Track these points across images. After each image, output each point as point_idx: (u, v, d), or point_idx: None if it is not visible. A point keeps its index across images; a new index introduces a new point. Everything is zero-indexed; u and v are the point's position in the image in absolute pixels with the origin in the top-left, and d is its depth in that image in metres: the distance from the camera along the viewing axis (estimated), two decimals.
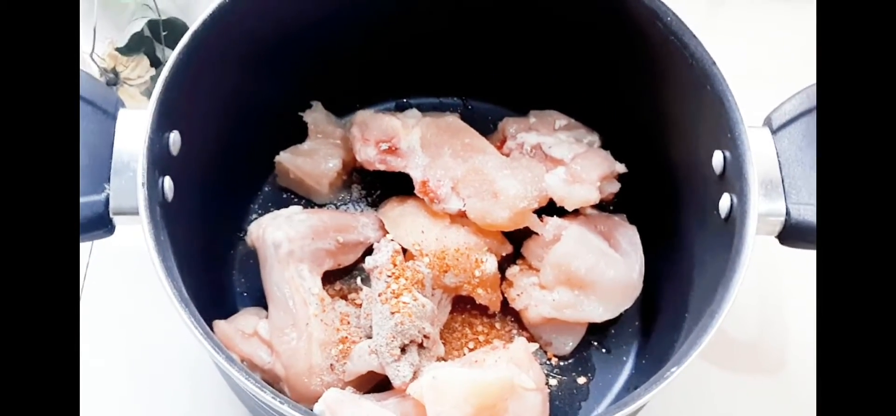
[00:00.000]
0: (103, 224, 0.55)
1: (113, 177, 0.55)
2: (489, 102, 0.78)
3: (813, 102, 0.59)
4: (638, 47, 0.64)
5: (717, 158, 0.59)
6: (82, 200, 0.54)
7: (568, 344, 0.67)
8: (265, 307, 0.65)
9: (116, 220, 0.55)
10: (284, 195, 0.74)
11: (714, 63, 0.58)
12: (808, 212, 0.56)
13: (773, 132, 0.59)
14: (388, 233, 0.68)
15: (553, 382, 0.67)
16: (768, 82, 0.66)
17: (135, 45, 0.72)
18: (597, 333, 0.68)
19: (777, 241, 0.58)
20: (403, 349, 0.61)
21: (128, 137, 0.56)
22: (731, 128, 0.57)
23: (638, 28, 0.63)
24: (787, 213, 0.56)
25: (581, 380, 0.67)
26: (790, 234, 0.57)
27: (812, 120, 0.58)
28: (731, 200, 0.57)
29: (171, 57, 0.57)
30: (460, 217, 0.68)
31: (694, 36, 0.60)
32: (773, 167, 0.57)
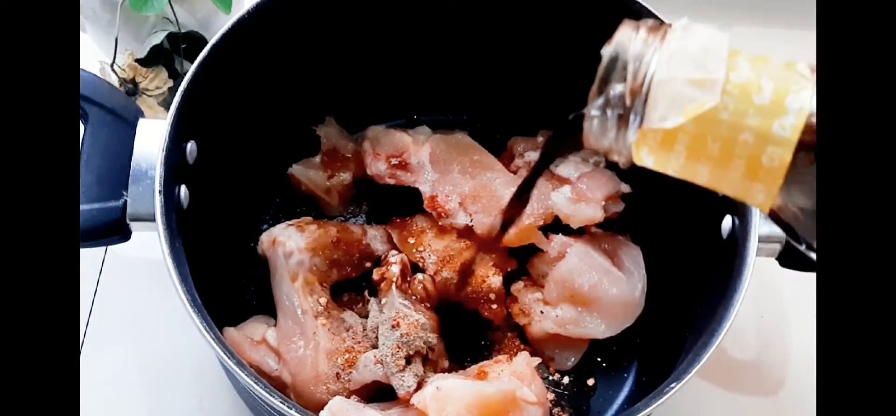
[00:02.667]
0: (120, 230, 0.56)
1: (131, 184, 0.56)
2: (498, 120, 0.79)
3: None
4: None
5: None
6: (100, 206, 0.56)
7: (570, 360, 0.68)
8: (274, 316, 0.66)
9: (133, 226, 0.57)
10: (296, 207, 0.75)
11: None
12: None
13: None
14: (395, 246, 0.70)
15: (554, 397, 0.68)
16: None
17: (154, 58, 0.74)
18: (599, 350, 0.69)
19: (777, 263, 0.59)
20: (408, 360, 0.62)
21: (146, 145, 0.57)
22: None
23: None
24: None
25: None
26: (790, 256, 0.58)
27: None
28: (733, 221, 0.58)
29: (191, 69, 0.58)
30: (467, 232, 0.69)
31: None
32: None
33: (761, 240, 0.56)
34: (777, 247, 0.58)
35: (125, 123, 0.58)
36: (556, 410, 0.66)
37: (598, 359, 0.69)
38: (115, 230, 0.56)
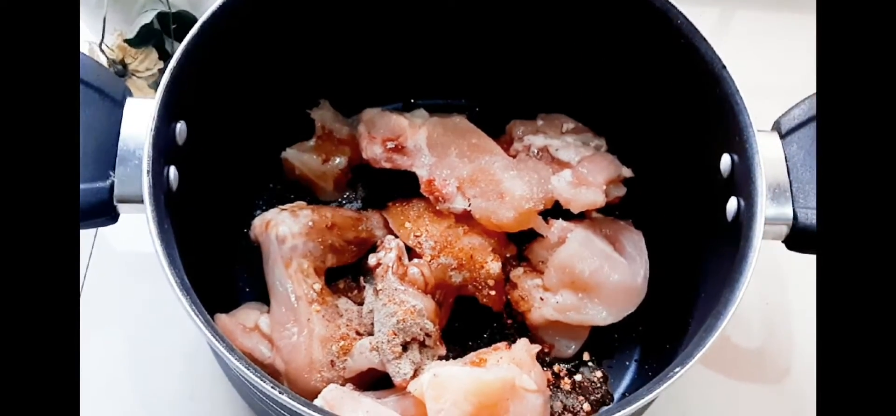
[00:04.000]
0: (107, 211, 0.55)
1: (118, 165, 0.55)
2: (497, 104, 0.77)
3: None
4: (647, 50, 0.64)
5: (725, 162, 0.58)
6: (87, 186, 0.54)
7: (571, 347, 0.67)
8: (267, 303, 0.65)
9: (121, 208, 0.55)
10: (289, 192, 0.73)
11: (724, 66, 0.58)
12: (815, 216, 0.56)
13: (782, 136, 0.58)
14: (392, 231, 0.68)
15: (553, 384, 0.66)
16: (778, 93, 0.66)
17: (144, 38, 0.72)
18: (600, 337, 0.68)
19: (784, 246, 0.58)
20: (405, 347, 0.60)
21: (134, 125, 0.56)
22: (740, 131, 0.56)
23: (648, 31, 0.63)
24: (795, 217, 0.56)
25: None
26: (797, 238, 0.57)
27: None
28: (738, 203, 0.57)
29: (180, 46, 0.57)
30: (465, 217, 0.67)
31: (704, 39, 0.59)
32: (782, 171, 0.57)
33: (768, 222, 0.54)
34: (784, 229, 0.56)
35: (112, 102, 0.56)
36: (556, 399, 0.65)
37: (600, 347, 0.68)
38: (102, 211, 0.54)
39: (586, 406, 0.65)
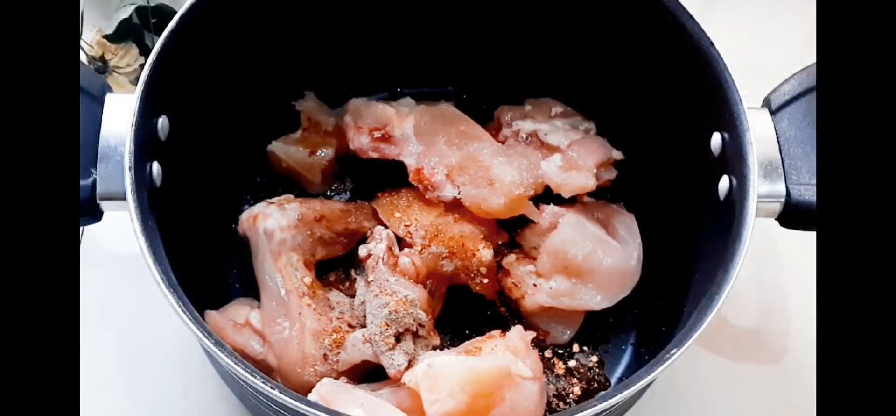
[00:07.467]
0: (90, 210, 0.54)
1: (100, 162, 0.54)
2: (484, 90, 0.77)
3: (813, 81, 0.58)
4: (634, 30, 0.64)
5: (716, 140, 0.58)
6: None
7: (566, 334, 0.66)
8: (258, 298, 0.64)
9: (104, 205, 0.54)
10: (277, 186, 0.72)
11: (712, 44, 0.58)
12: (808, 192, 0.55)
13: (773, 113, 0.58)
14: (381, 222, 0.67)
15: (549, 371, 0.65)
16: (767, 69, 0.65)
17: (123, 33, 0.71)
18: (595, 322, 0.67)
19: (777, 224, 0.58)
20: (398, 338, 0.60)
21: (115, 121, 0.55)
22: (730, 108, 0.56)
23: (634, 11, 0.62)
24: (788, 194, 0.56)
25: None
26: (791, 215, 0.56)
27: (812, 100, 0.57)
28: (730, 181, 0.56)
29: (160, 39, 0.56)
30: (455, 205, 0.67)
31: (691, 16, 0.59)
32: (773, 148, 0.57)
33: (761, 199, 0.54)
34: (777, 206, 0.56)
35: (91, 98, 0.55)
36: (549, 384, 0.65)
37: (595, 332, 0.67)
38: (84, 210, 0.54)
39: (577, 389, 0.64)
